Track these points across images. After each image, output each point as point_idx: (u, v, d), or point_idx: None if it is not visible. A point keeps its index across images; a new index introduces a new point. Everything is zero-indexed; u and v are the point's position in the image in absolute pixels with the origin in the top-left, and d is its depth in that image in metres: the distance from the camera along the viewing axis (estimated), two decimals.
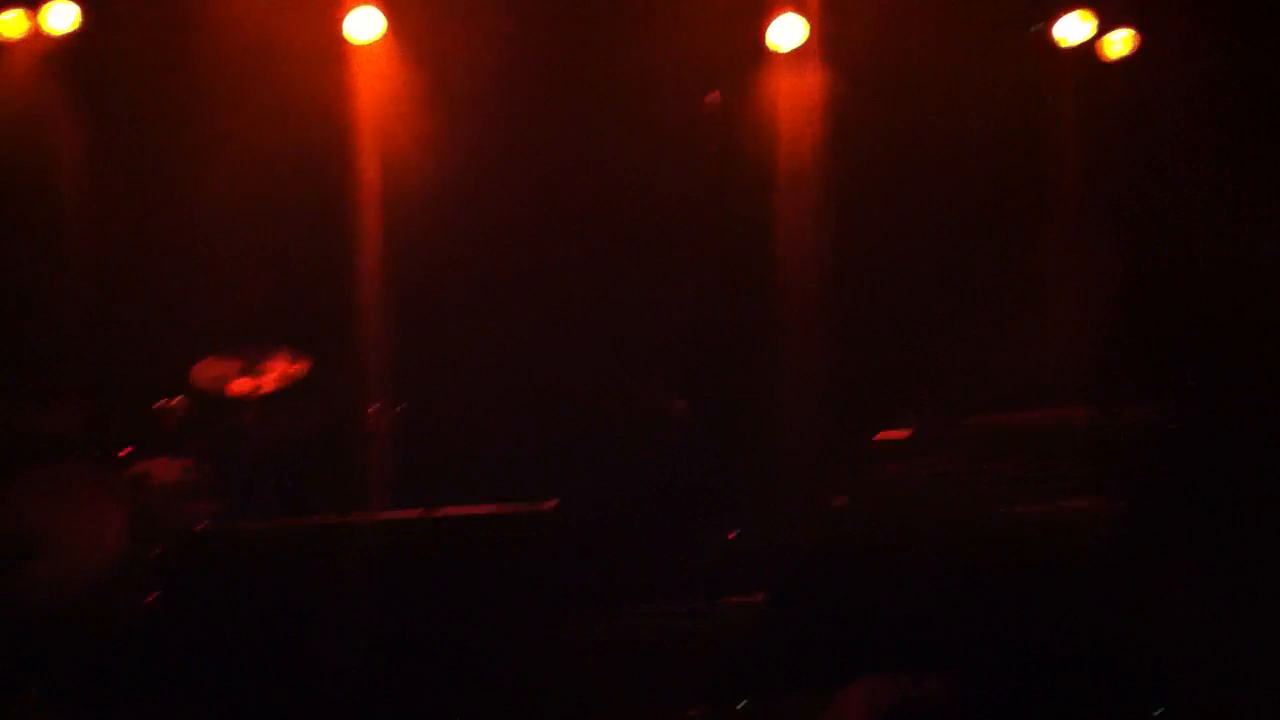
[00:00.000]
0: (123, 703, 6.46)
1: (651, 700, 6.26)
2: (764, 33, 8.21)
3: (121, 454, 7.41)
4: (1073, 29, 8.30)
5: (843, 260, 8.10)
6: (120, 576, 6.97)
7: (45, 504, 7.02)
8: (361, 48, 8.18)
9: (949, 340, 7.98)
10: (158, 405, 7.67)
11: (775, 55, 8.29)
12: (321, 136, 8.13)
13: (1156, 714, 5.96)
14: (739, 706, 6.17)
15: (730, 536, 7.34)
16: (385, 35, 8.14)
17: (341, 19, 8.05)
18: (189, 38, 7.97)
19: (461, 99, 8.17)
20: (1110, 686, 6.04)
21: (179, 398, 7.76)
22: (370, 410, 7.95)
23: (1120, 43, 8.34)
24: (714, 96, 8.12)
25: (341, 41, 8.11)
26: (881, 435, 7.67)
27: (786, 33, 8.24)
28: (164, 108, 8.16)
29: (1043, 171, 8.12)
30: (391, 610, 6.76)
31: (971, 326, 7.99)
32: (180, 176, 8.15)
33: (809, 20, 8.20)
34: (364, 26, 8.09)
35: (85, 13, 8.03)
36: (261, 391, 7.87)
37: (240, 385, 7.90)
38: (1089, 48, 8.28)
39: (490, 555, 6.86)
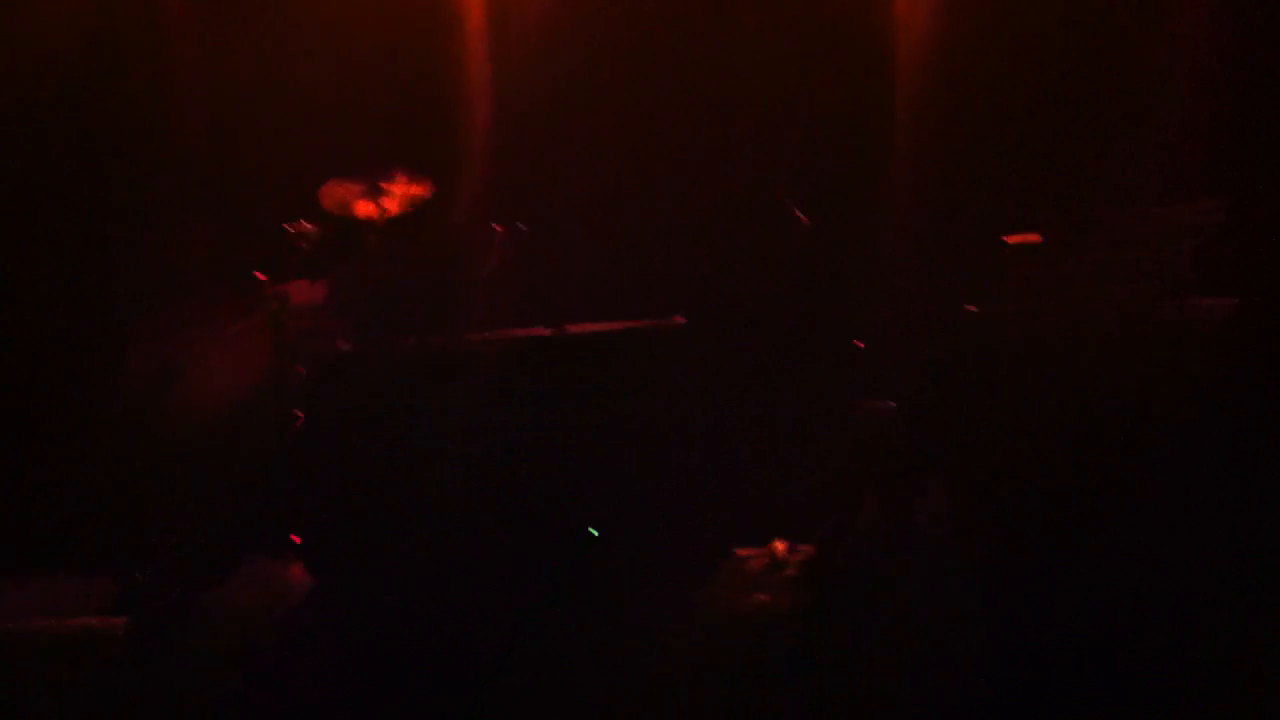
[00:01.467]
0: (264, 521, 6.73)
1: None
2: None
3: (259, 276, 7.55)
4: None
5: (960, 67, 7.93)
6: (263, 396, 7.16)
7: (188, 332, 7.20)
8: None
9: (1074, 140, 7.82)
10: (288, 228, 7.78)
11: None
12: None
13: None
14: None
15: (858, 345, 7.36)
16: None
17: None
18: None
19: None
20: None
21: (306, 220, 7.87)
22: (494, 229, 8.01)
23: None
24: None
25: None
26: (1012, 239, 7.59)
27: None
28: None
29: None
30: (523, 430, 6.93)
31: (1095, 127, 7.81)
32: (292, 9, 8.15)
33: None
34: None
35: None
36: (387, 213, 7.94)
37: (366, 206, 7.97)
38: None
39: (619, 373, 6.96)
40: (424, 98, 8.28)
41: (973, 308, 7.04)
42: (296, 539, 6.72)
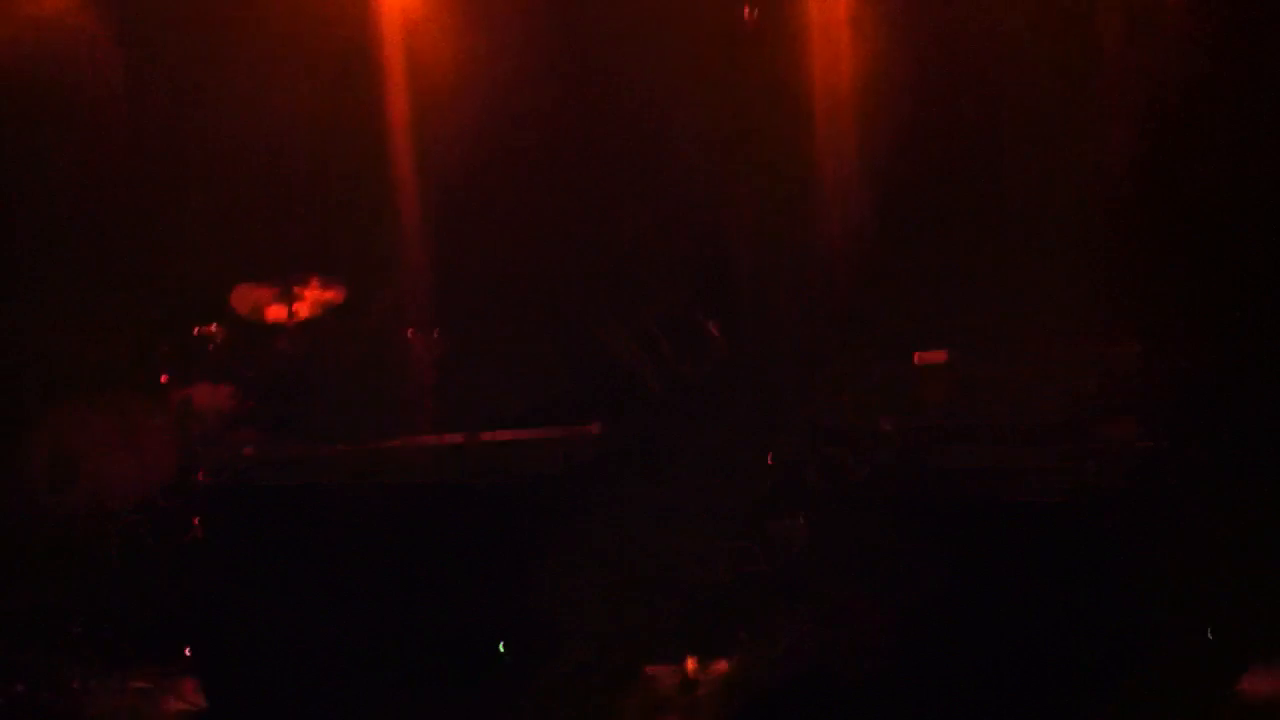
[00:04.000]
0: (164, 627, 6.50)
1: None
2: None
3: (163, 380, 7.40)
4: None
5: (874, 190, 8.05)
6: (164, 502, 6.97)
7: (89, 430, 7.02)
8: None
9: (979, 276, 7.95)
10: (197, 331, 7.65)
11: None
12: (353, 63, 8.08)
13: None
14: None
15: (769, 460, 7.34)
16: None
17: None
18: None
19: (493, 21, 8.10)
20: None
21: (216, 324, 7.75)
22: (408, 334, 7.95)
23: None
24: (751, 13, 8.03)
25: None
26: (920, 357, 7.66)
27: None
28: (192, 42, 8.10)
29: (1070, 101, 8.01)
30: (435, 536, 6.80)
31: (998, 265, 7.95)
32: (212, 110, 8.11)
33: None
34: None
35: None
36: (298, 317, 7.85)
37: (276, 311, 7.88)
38: None
39: (532, 480, 6.88)
40: (341, 202, 8.24)
41: (887, 425, 7.06)
42: (188, 652, 6.49)
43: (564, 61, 8.17)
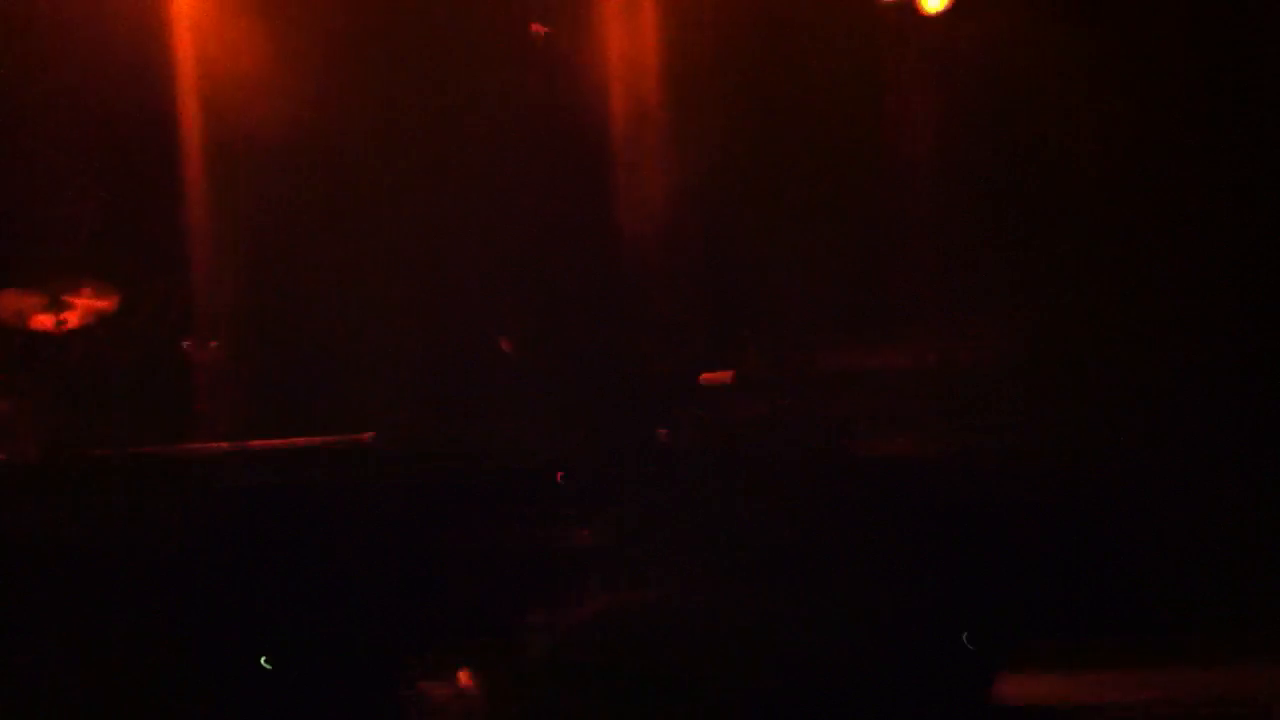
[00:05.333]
0: None
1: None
2: None
3: None
4: None
5: (674, 196, 8.08)
6: None
7: None
8: None
9: (780, 279, 7.99)
10: None
11: None
12: (141, 60, 7.92)
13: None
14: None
15: (559, 477, 7.26)
16: None
17: None
18: None
19: (289, 35, 7.99)
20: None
21: None
22: (185, 344, 7.73)
23: None
24: (538, 28, 8.03)
25: None
26: (705, 377, 7.66)
27: None
28: None
29: (874, 112, 8.14)
30: (207, 545, 6.57)
31: (803, 265, 8.01)
32: None
33: None
34: None
35: None
36: (66, 326, 7.57)
37: (44, 320, 7.60)
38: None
39: (309, 488, 6.70)
40: (129, 205, 7.99)
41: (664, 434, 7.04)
42: None
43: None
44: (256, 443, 6.70)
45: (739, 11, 8.02)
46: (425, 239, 7.99)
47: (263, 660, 6.30)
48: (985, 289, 7.76)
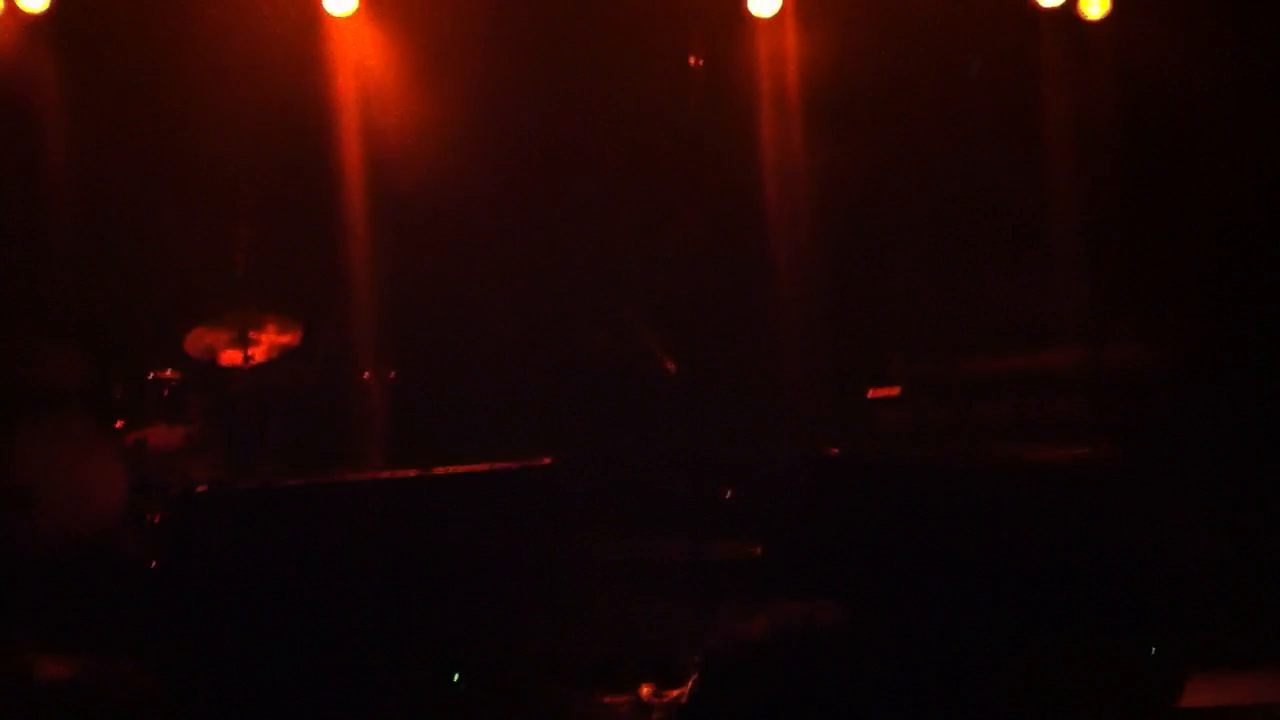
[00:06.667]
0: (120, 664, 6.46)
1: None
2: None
3: (117, 425, 7.41)
4: None
5: (826, 213, 8.18)
6: (117, 537, 6.96)
7: (43, 458, 7.00)
8: (339, 20, 8.24)
9: (938, 288, 8.06)
10: (151, 375, 7.68)
11: (756, 20, 8.36)
12: (303, 109, 8.19)
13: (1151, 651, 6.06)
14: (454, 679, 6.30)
15: (726, 495, 7.41)
16: (361, 8, 8.23)
17: None
18: (163, 13, 8.01)
19: (440, 67, 8.23)
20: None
21: (171, 368, 7.79)
22: (363, 375, 8.00)
23: (1097, 4, 8.40)
24: (697, 60, 8.18)
25: (319, 13, 8.16)
26: (873, 392, 7.76)
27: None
28: (141, 84, 8.19)
29: (1026, 123, 8.18)
30: (389, 570, 6.80)
31: (959, 273, 8.06)
32: (166, 150, 8.19)
33: None
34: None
35: None
36: (253, 361, 7.88)
37: (231, 355, 7.91)
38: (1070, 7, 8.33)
39: (488, 513, 6.90)
40: (300, 242, 8.30)
41: (834, 450, 7.14)
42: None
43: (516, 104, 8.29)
44: (439, 469, 6.91)
45: (887, 22, 8.10)
46: (586, 266, 8.21)
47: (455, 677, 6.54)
48: (1143, 292, 7.77)
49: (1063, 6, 8.27)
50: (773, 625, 5.99)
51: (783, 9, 8.31)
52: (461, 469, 6.93)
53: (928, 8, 8.08)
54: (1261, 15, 7.65)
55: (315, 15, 8.16)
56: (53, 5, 8.07)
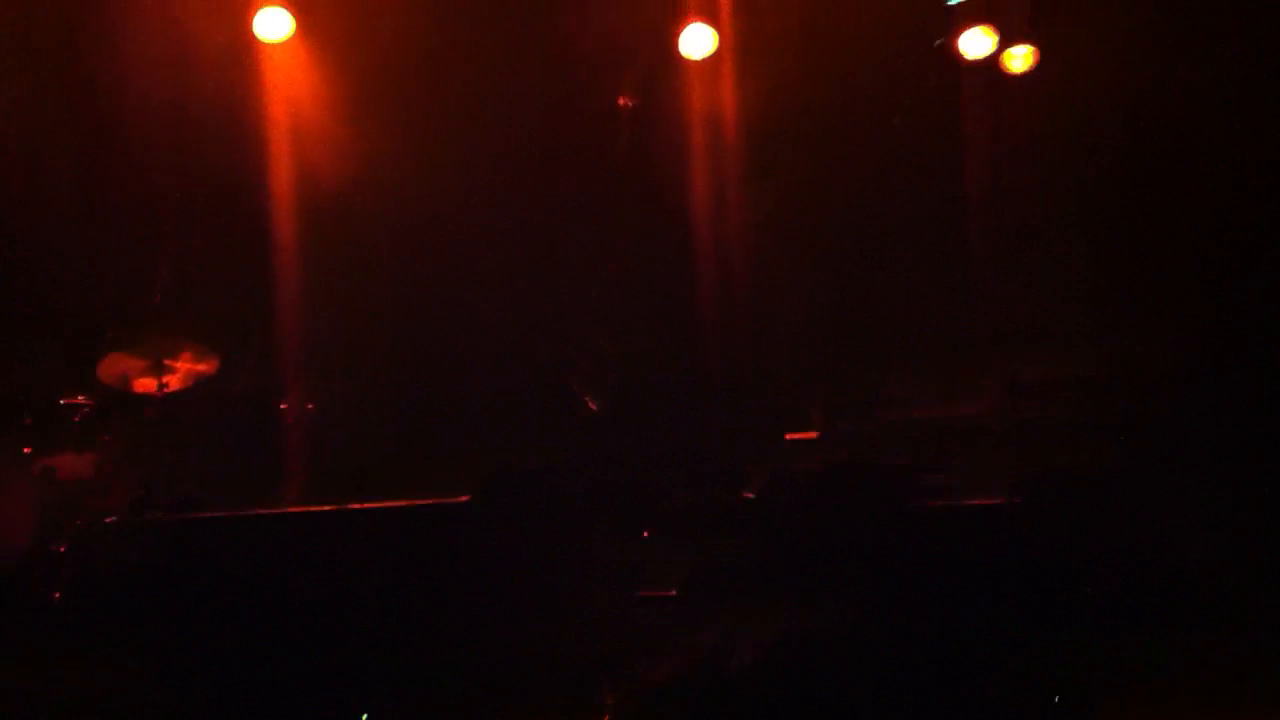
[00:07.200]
0: (26, 696, 6.33)
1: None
2: (676, 41, 8.30)
3: (25, 451, 7.27)
4: (975, 44, 8.46)
5: (753, 252, 8.23)
6: (22, 567, 6.81)
7: None
8: (272, 46, 8.16)
9: (861, 338, 8.11)
10: (63, 401, 7.54)
11: (687, 63, 8.39)
12: (232, 134, 8.10)
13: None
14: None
15: (645, 535, 7.38)
16: (295, 35, 8.14)
17: (251, 18, 8.01)
18: (93, 37, 7.91)
19: (373, 95, 8.19)
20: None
21: (83, 395, 7.65)
22: (282, 406, 7.91)
23: (1021, 58, 8.51)
24: (625, 100, 8.21)
25: (251, 40, 8.09)
26: (791, 435, 7.77)
27: (697, 42, 8.33)
28: (62, 107, 8.07)
29: (946, 180, 8.27)
30: (298, 603, 6.72)
31: (879, 313, 8.13)
32: (91, 173, 8.08)
33: (719, 31, 8.29)
34: (273, 26, 8.06)
35: None
36: (168, 389, 7.77)
37: (146, 383, 7.80)
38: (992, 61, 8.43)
39: (403, 549, 6.85)
40: (220, 271, 8.21)
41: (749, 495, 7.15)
42: None
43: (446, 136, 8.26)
44: (355, 505, 6.86)
45: (812, 83, 8.17)
46: (511, 296, 8.19)
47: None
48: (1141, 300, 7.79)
49: (987, 59, 8.37)
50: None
51: (715, 52, 8.36)
52: (375, 505, 6.88)
53: (856, 58, 8.15)
54: (1189, 62, 7.74)
55: (247, 41, 8.06)
56: None
